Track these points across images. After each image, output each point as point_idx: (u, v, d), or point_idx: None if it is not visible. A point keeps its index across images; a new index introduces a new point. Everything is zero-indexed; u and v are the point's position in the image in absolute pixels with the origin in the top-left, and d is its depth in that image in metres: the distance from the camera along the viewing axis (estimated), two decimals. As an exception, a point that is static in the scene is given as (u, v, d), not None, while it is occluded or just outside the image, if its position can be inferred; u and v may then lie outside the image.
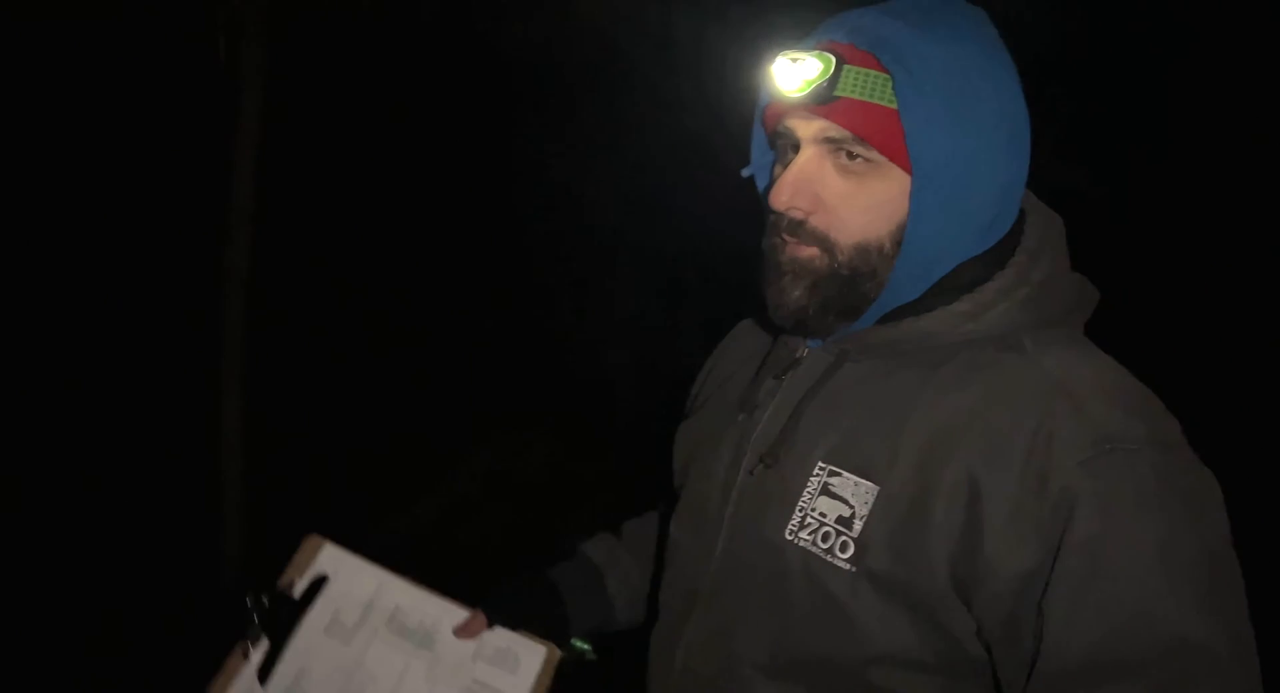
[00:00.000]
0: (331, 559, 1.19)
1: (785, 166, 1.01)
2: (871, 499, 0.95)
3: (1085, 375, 0.94)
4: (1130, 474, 0.86)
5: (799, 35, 1.01)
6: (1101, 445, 0.87)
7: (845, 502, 0.96)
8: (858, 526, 0.95)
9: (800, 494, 1.00)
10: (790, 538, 0.99)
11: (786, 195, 0.97)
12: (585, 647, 1.35)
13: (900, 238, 0.96)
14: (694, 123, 3.31)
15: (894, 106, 0.92)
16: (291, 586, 1.17)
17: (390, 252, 4.06)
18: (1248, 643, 0.85)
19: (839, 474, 0.98)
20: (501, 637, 1.22)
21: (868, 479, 0.96)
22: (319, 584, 1.17)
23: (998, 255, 1.00)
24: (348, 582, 1.18)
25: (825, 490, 0.98)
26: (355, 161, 3.90)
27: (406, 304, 4.16)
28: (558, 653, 1.24)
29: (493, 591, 1.24)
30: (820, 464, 1.00)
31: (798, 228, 0.98)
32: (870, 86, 0.93)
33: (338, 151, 3.86)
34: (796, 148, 0.99)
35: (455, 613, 1.21)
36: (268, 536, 3.72)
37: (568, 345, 4.42)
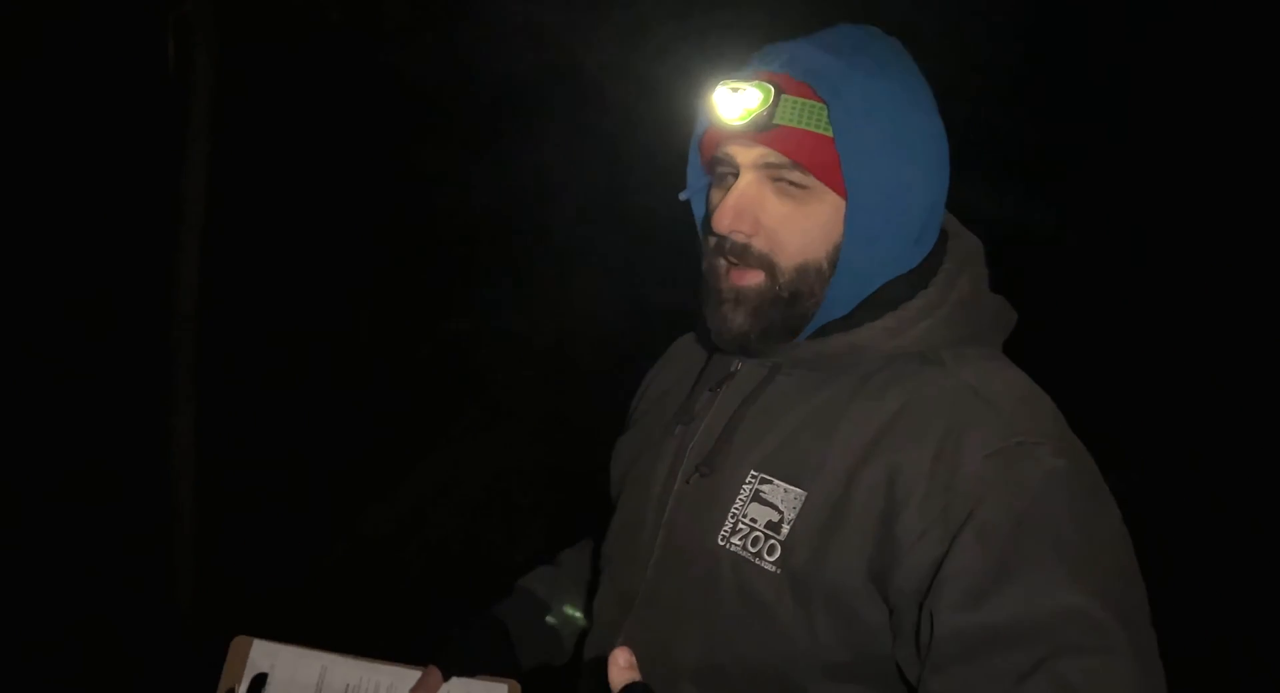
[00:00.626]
0: (264, 655, 1.14)
1: (724, 191, 1.05)
2: (800, 504, 0.99)
3: (999, 385, 1.00)
4: (1036, 467, 0.92)
5: (734, 64, 1.05)
6: (1009, 440, 0.93)
7: (775, 508, 1.01)
8: (785, 529, 0.99)
9: (733, 501, 1.04)
10: (722, 543, 1.03)
11: (729, 219, 1.01)
12: (577, 615, 1.35)
13: (836, 258, 1.02)
14: (631, 142, 3.34)
15: (829, 134, 0.98)
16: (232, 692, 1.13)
17: (343, 258, 4.04)
18: (1144, 625, 0.89)
19: (770, 481, 1.03)
20: (461, 686, 1.21)
21: (797, 485, 1.00)
22: (260, 683, 1.13)
23: (922, 274, 1.06)
24: (289, 673, 1.14)
25: (757, 497, 1.02)
26: (306, 170, 3.87)
27: (360, 312, 4.14)
28: (519, 687, 1.24)
29: (440, 642, 1.24)
30: (753, 472, 1.04)
31: (742, 251, 1.02)
32: (807, 115, 0.98)
33: (289, 162, 3.83)
34: (736, 173, 1.04)
35: (407, 676, 1.19)
36: (222, 548, 3.69)
37: (527, 350, 4.44)
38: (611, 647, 1.13)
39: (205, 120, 3.66)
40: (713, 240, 1.06)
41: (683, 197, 1.16)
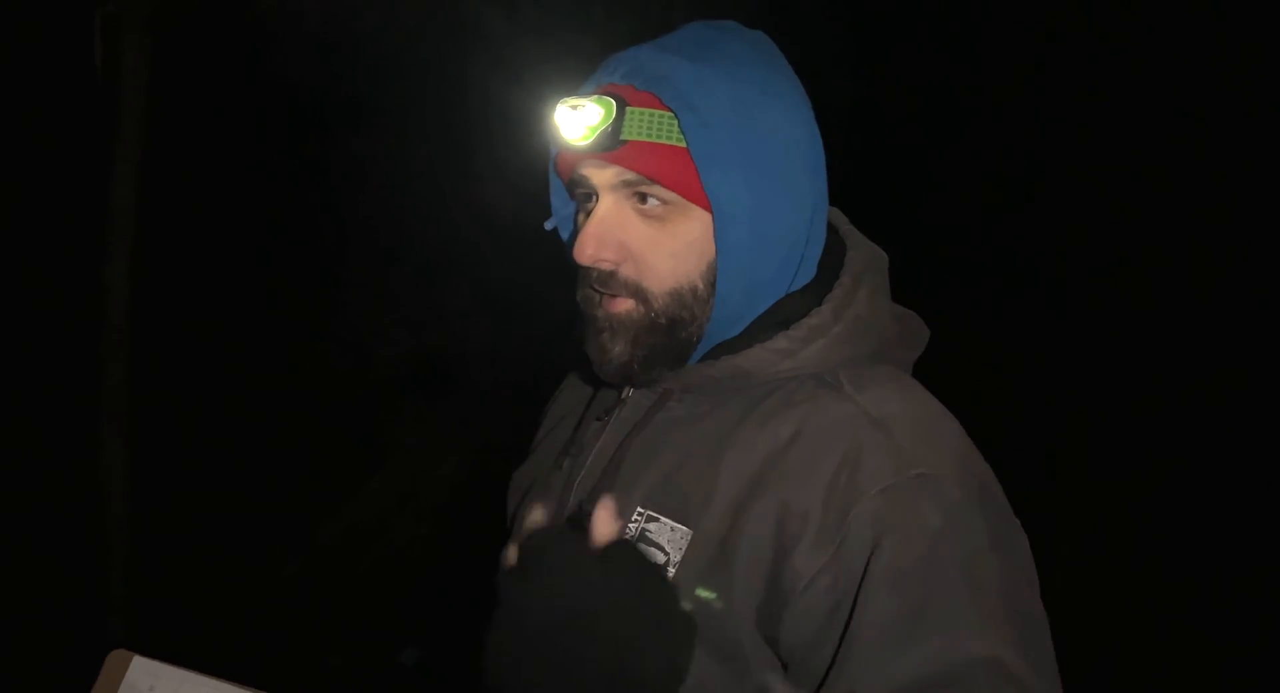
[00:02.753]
0: (144, 675, 1.03)
1: (587, 215, 0.98)
2: (685, 544, 0.93)
3: (898, 410, 0.94)
4: (935, 501, 0.86)
5: (579, 78, 0.98)
6: (906, 472, 0.87)
7: (661, 549, 0.94)
8: (671, 573, 0.93)
9: None
10: None
11: (591, 248, 0.94)
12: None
13: (713, 278, 0.95)
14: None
15: (682, 145, 0.91)
16: None
17: (282, 261, 3.93)
18: (1054, 670, 0.85)
19: (656, 519, 0.96)
20: None
21: (683, 523, 0.94)
22: None
23: (816, 291, 1.00)
24: None
25: (643, 537, 0.96)
26: (240, 168, 3.76)
27: (299, 318, 4.03)
28: None
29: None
30: (639, 509, 0.98)
31: (609, 279, 0.96)
32: (655, 127, 0.91)
33: (221, 159, 3.72)
34: (595, 195, 0.97)
35: None
36: (160, 566, 3.57)
37: (467, 359, 4.35)
38: None
39: (136, 122, 3.53)
40: (581, 270, 0.99)
41: (548, 225, 1.09)
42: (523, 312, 4.32)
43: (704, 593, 0.91)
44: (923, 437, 0.91)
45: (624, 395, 1.07)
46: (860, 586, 0.84)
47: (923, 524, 0.85)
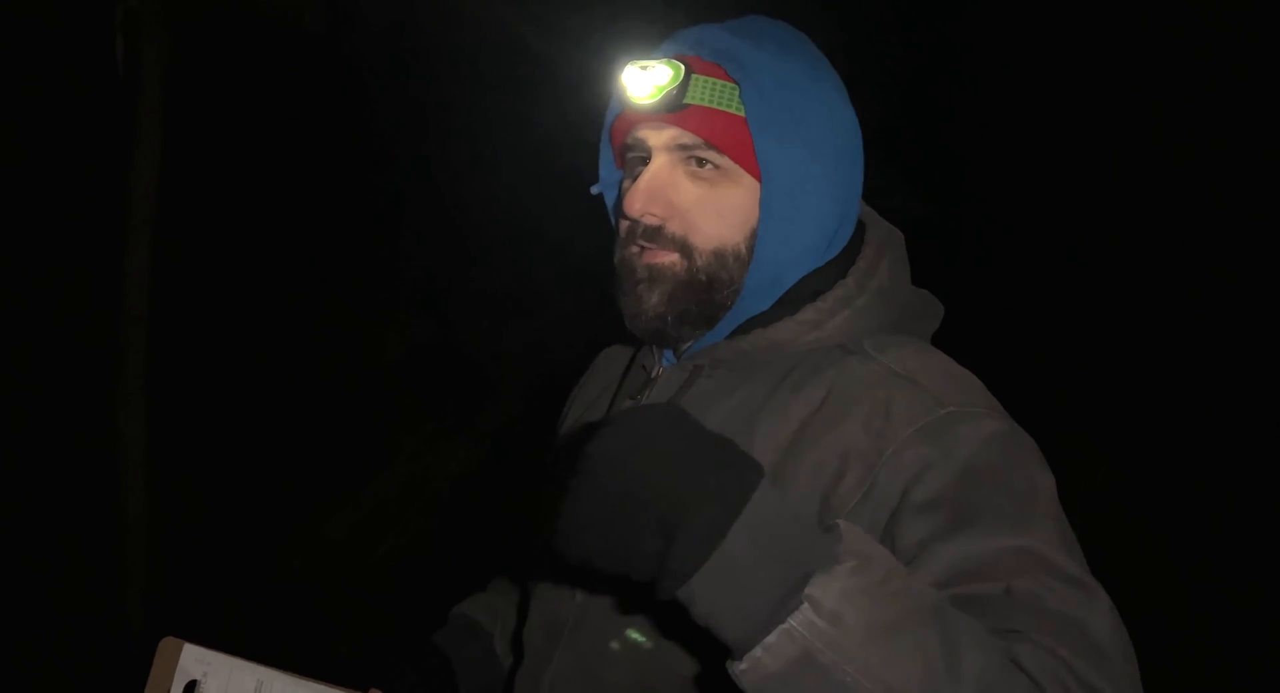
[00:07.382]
0: (196, 661, 1.06)
1: (635, 179, 1.03)
2: None
3: (921, 365, 0.99)
4: (968, 432, 0.90)
5: (643, 49, 1.05)
6: (936, 410, 0.91)
7: None
8: None
9: None
10: None
11: (641, 202, 0.99)
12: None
13: (753, 244, 1.00)
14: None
15: (741, 114, 0.97)
16: None
17: (296, 255, 3.97)
18: (1087, 569, 0.86)
19: None
20: None
21: None
22: (190, 692, 1.05)
23: (839, 266, 1.05)
24: (222, 684, 1.06)
25: None
26: (257, 166, 3.80)
27: (315, 309, 4.07)
28: None
29: (381, 671, 1.20)
30: None
31: (655, 234, 1.00)
32: (719, 94, 0.97)
33: (239, 156, 3.76)
34: (647, 159, 1.02)
35: None
36: (174, 559, 3.62)
37: (481, 351, 4.38)
38: (543, 678, 1.09)
39: (156, 115, 3.58)
40: (625, 226, 1.04)
41: (594, 190, 1.14)
42: (532, 306, 4.35)
43: None
44: (949, 383, 0.96)
45: (654, 374, 1.11)
46: (894, 516, 0.87)
47: (956, 453, 0.88)
